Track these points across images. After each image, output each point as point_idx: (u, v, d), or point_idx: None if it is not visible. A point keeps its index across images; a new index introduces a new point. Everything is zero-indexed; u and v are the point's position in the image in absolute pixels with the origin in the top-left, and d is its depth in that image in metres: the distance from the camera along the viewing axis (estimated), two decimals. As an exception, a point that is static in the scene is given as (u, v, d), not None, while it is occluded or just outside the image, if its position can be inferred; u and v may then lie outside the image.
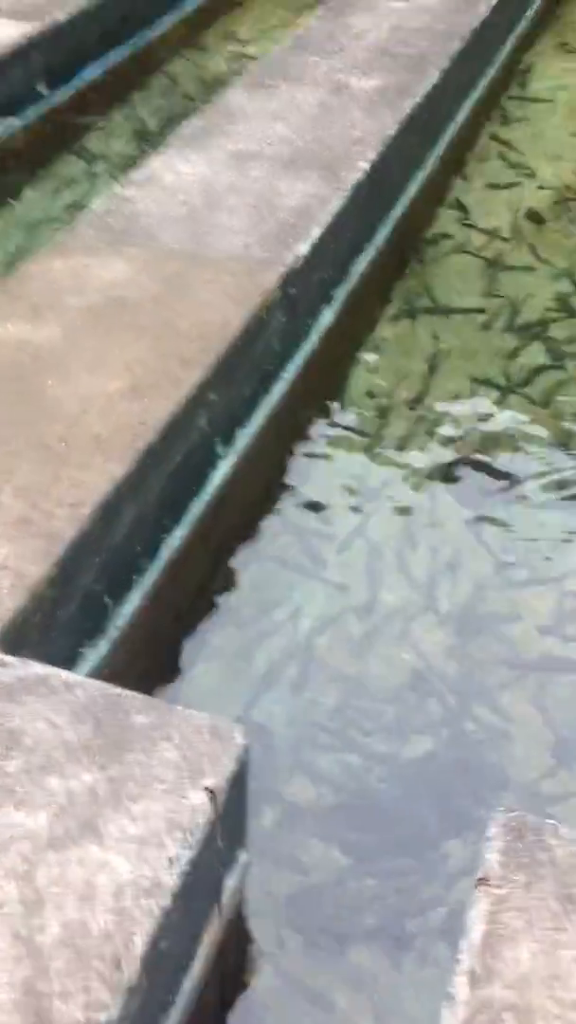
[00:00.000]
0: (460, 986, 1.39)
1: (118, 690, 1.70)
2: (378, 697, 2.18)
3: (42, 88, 4.20)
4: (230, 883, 1.69)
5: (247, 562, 2.49)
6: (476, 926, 1.45)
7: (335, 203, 3.03)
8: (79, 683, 1.70)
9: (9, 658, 1.72)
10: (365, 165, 3.20)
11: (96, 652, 2.09)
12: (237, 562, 2.49)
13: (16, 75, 4.03)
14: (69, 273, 2.60)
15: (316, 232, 2.89)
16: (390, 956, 1.80)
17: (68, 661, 1.99)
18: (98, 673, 2.07)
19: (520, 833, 1.56)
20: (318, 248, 2.89)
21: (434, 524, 2.57)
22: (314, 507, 2.64)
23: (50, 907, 1.40)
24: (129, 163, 3.59)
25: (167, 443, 2.24)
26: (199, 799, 1.54)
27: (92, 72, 4.43)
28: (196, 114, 3.42)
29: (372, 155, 3.26)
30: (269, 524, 2.59)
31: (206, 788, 1.56)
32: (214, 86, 4.27)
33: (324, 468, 2.75)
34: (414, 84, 3.65)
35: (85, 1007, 1.31)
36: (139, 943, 1.38)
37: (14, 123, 4.00)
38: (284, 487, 2.69)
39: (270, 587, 2.44)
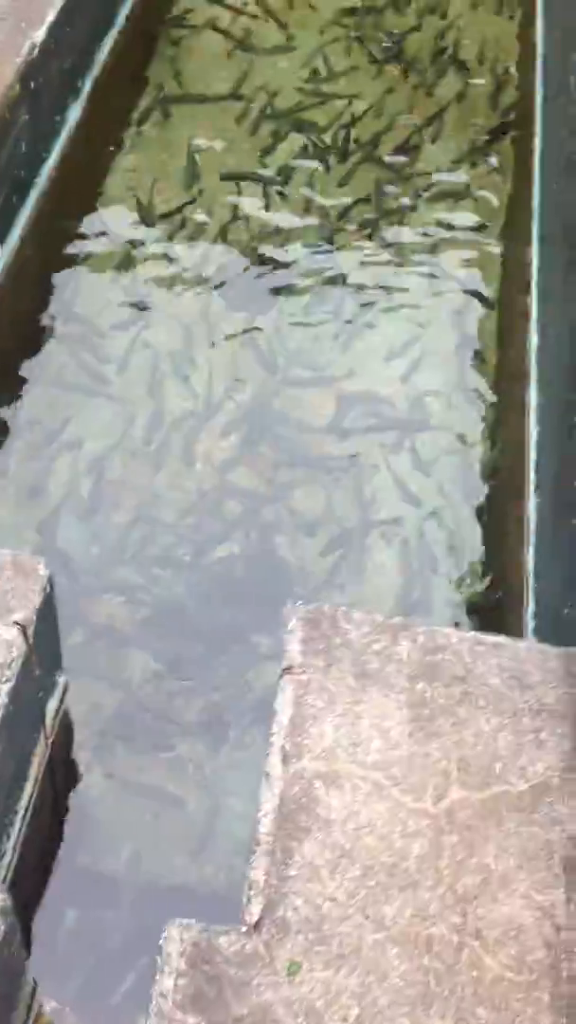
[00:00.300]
0: (273, 764, 1.54)
1: None
2: (174, 508, 2.24)
3: None
4: (52, 705, 1.77)
5: (27, 387, 2.44)
6: (284, 710, 1.59)
7: (69, -19, 2.79)
8: None
9: None
10: None
11: None
12: (16, 388, 2.43)
13: None
14: None
15: (52, 14, 2.67)
16: (210, 745, 1.95)
17: None
18: None
19: (317, 623, 1.70)
20: (55, 32, 2.68)
21: (210, 330, 2.57)
22: (86, 322, 2.59)
23: None
24: None
25: None
26: (10, 634, 1.58)
27: None
28: None
29: None
30: (43, 344, 2.53)
31: (15, 623, 1.59)
32: None
33: (92, 281, 2.67)
34: None
35: None
36: (-29, 777, 1.44)
37: None
38: (54, 303, 2.61)
39: (53, 410, 2.41)
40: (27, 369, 2.46)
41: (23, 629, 1.59)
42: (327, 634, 1.68)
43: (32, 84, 2.55)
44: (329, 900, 1.39)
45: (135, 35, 3.25)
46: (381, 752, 1.54)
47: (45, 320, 2.56)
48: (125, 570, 2.13)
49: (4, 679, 1.53)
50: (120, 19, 3.19)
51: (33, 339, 2.52)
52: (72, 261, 2.70)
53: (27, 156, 2.60)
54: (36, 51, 2.57)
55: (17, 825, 1.63)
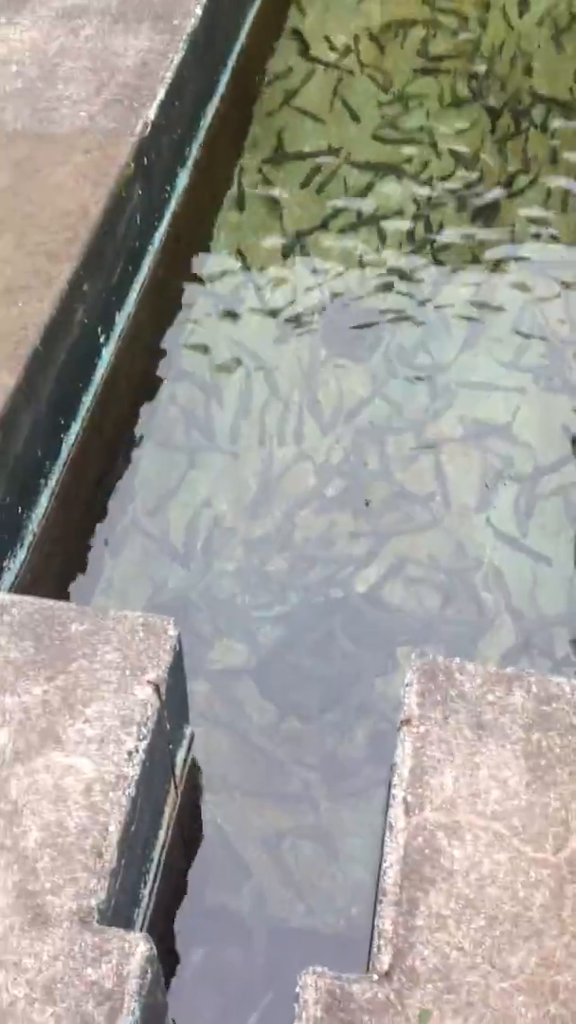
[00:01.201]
0: (396, 816, 1.60)
1: (51, 602, 1.80)
2: (286, 557, 2.33)
3: None
4: (180, 756, 1.87)
5: (142, 447, 2.56)
6: (404, 762, 1.66)
7: (175, 56, 2.94)
8: (13, 602, 1.79)
9: None
10: (198, 9, 3.10)
11: (15, 561, 2.18)
12: (133, 449, 2.56)
13: None
14: None
15: (162, 92, 2.82)
16: (330, 785, 2.02)
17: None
18: (19, 580, 2.17)
19: (432, 675, 1.76)
20: (166, 108, 2.83)
21: (316, 383, 2.67)
22: (196, 379, 2.70)
23: (27, 814, 1.55)
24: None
25: (51, 344, 2.26)
26: (145, 693, 1.69)
27: None
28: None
29: (204, -2, 3.15)
30: (157, 404, 2.65)
31: (149, 682, 1.70)
32: None
33: (202, 336, 2.79)
34: None
35: (75, 896, 1.48)
36: (114, 831, 1.54)
37: None
38: (166, 363, 2.74)
39: (169, 467, 2.52)
40: (143, 429, 2.59)
41: (156, 688, 1.69)
42: (443, 686, 1.74)
43: (145, 160, 2.70)
44: (456, 949, 1.45)
45: (237, 98, 3.38)
46: (500, 803, 1.59)
47: (157, 381, 2.69)
48: (241, 619, 2.22)
49: (141, 736, 1.63)
50: (221, 86, 3.33)
51: (148, 400, 2.65)
52: (182, 321, 2.83)
53: (141, 227, 2.74)
54: (148, 128, 2.71)
55: (152, 872, 1.73)
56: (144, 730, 1.64)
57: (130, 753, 1.61)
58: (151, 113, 2.76)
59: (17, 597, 1.82)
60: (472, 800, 1.61)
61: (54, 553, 2.28)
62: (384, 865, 1.54)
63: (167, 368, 2.72)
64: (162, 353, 2.75)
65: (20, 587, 2.14)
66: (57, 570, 2.28)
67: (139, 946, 1.42)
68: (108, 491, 2.47)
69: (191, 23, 3.04)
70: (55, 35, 2.98)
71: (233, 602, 2.27)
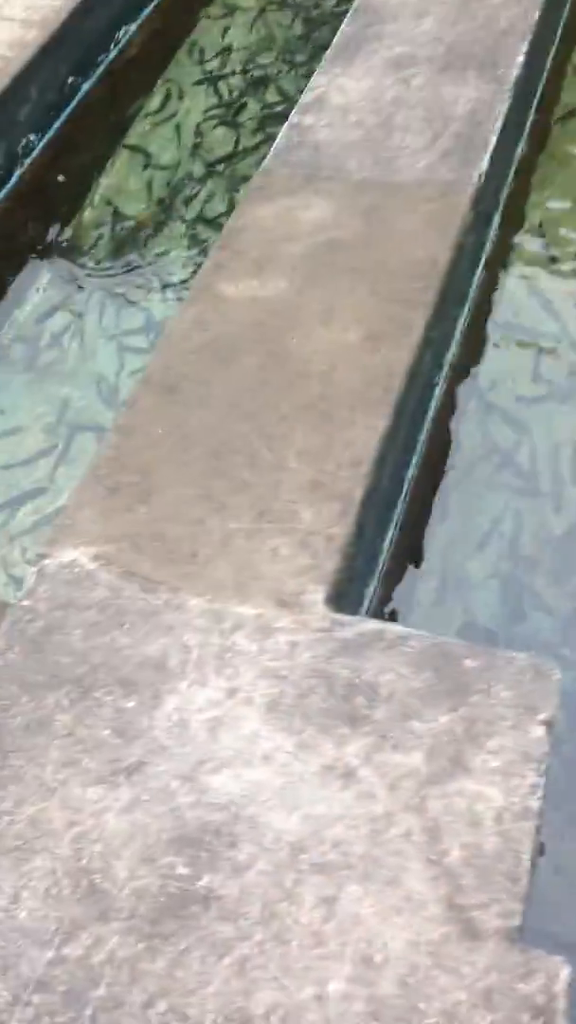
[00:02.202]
0: None
1: (442, 638, 1.97)
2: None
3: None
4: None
5: (456, 481, 2.71)
6: None
7: (501, 106, 3.08)
8: (409, 635, 1.97)
9: (345, 617, 1.99)
10: (520, 58, 3.23)
11: (372, 586, 2.37)
12: (450, 483, 2.71)
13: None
14: (276, 219, 2.73)
15: (493, 141, 2.96)
16: None
17: (357, 605, 2.27)
18: (371, 604, 2.35)
19: None
20: (494, 158, 2.97)
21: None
22: (510, 419, 2.84)
23: (447, 834, 1.72)
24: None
25: (410, 390, 2.43)
26: (539, 732, 1.83)
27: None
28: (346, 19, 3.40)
29: (524, 46, 3.27)
30: (470, 436, 2.80)
31: (543, 721, 1.84)
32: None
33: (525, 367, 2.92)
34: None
35: (500, 915, 1.64)
36: (525, 860, 1.70)
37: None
38: (486, 405, 2.89)
39: (483, 504, 2.67)
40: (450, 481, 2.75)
41: (549, 727, 1.83)
42: None
43: (478, 209, 2.85)
44: None
45: (535, 140, 3.50)
46: None
47: (477, 419, 2.84)
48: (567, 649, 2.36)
49: (540, 773, 1.78)
50: (527, 129, 3.45)
51: (464, 437, 2.81)
52: (499, 352, 2.98)
53: (468, 272, 2.90)
54: (483, 178, 2.86)
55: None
56: (542, 767, 1.79)
57: (533, 787, 1.76)
58: (484, 163, 2.91)
59: (411, 631, 2.00)
60: None
61: (395, 575, 2.46)
62: None
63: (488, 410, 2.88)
64: (486, 394, 2.91)
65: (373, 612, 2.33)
66: (399, 596, 2.46)
67: (563, 970, 1.57)
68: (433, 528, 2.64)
69: (515, 73, 3.18)
70: (387, 84, 3.16)
71: (550, 628, 2.40)
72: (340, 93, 3.12)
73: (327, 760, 1.78)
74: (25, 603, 1.98)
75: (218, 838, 1.68)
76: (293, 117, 3.03)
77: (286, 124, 3.01)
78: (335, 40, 3.28)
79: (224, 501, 2.13)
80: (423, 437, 2.66)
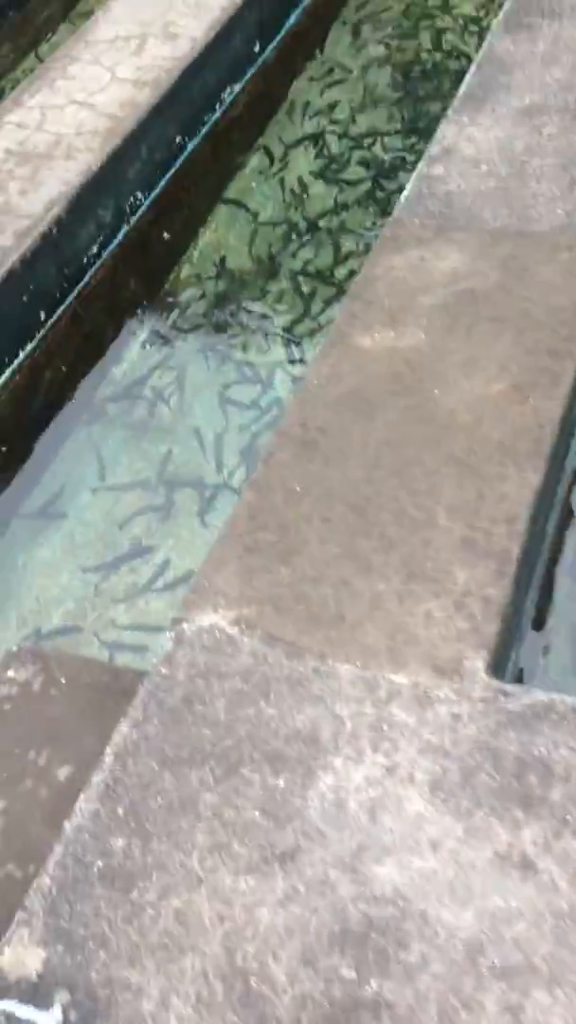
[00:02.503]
0: None
1: None
2: None
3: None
4: None
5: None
6: None
7: None
8: (582, 707, 1.79)
9: (509, 686, 1.81)
10: None
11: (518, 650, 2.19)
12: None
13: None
14: (409, 269, 2.62)
15: None
16: None
17: (511, 671, 2.09)
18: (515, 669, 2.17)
19: None
20: None
21: None
22: None
23: None
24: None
25: (560, 442, 2.28)
26: None
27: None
28: (471, 69, 3.33)
29: None
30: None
31: None
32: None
33: None
34: None
35: None
36: None
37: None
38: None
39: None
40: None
41: None
42: None
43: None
44: None
45: None
46: None
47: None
48: None
49: None
50: None
51: None
52: None
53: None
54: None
55: None
56: None
57: None
58: None
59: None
60: None
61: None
62: None
63: None
64: None
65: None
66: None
67: None
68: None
69: None
70: (518, 133, 3.05)
71: None
72: (469, 143, 3.02)
73: (501, 847, 1.60)
74: (163, 670, 1.85)
75: (385, 936, 1.50)
76: (421, 167, 2.93)
77: (414, 175, 2.92)
78: (461, 91, 3.20)
79: (371, 561, 1.99)
80: (563, 490, 2.49)
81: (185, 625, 1.92)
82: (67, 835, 1.63)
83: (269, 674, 1.82)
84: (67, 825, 1.65)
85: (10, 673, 2.09)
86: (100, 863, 1.60)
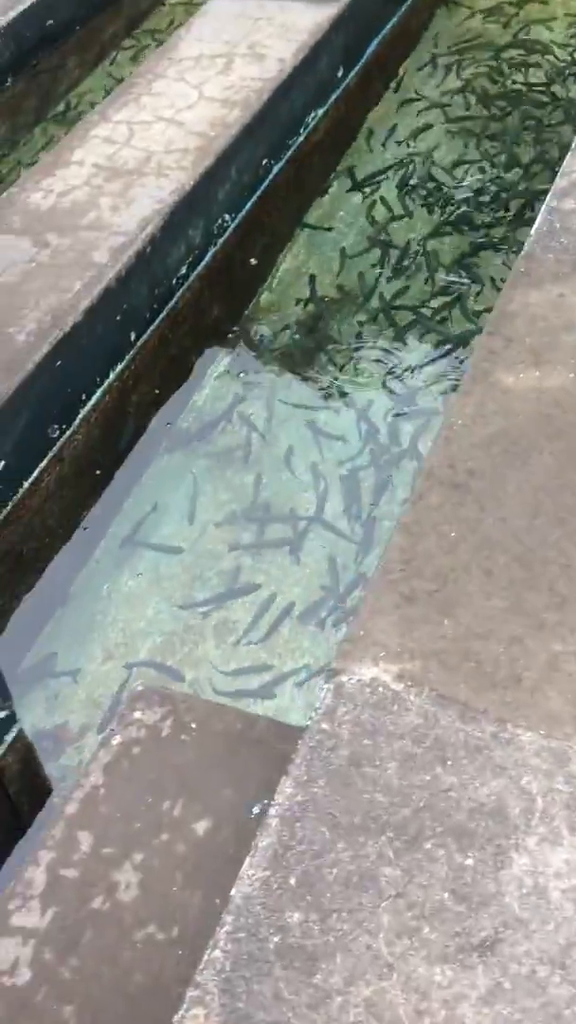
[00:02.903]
0: None
1: None
2: None
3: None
4: None
5: None
6: None
7: None
8: None
9: None
10: None
11: None
12: None
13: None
14: (548, 306, 2.49)
15: None
16: None
17: None
18: None
19: None
20: None
21: None
22: None
23: None
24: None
25: None
26: None
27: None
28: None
29: None
30: None
31: None
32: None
33: None
34: None
35: None
36: None
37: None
38: None
39: None
40: None
41: None
42: None
43: None
44: None
45: None
46: None
47: None
48: None
49: None
50: None
51: None
52: None
53: None
54: None
55: None
56: None
57: None
58: None
59: None
60: None
61: None
62: None
63: None
64: None
65: None
66: None
67: None
68: None
69: None
70: None
71: None
72: (596, 182, 2.91)
73: None
74: (324, 726, 1.70)
75: (606, 1046, 1.35)
76: (551, 201, 2.81)
77: (543, 208, 2.80)
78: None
79: (542, 618, 1.84)
80: None
81: (344, 677, 1.77)
82: (236, 904, 1.47)
83: (443, 738, 1.67)
84: (235, 893, 1.49)
85: (137, 715, 1.93)
86: (276, 939, 1.44)
